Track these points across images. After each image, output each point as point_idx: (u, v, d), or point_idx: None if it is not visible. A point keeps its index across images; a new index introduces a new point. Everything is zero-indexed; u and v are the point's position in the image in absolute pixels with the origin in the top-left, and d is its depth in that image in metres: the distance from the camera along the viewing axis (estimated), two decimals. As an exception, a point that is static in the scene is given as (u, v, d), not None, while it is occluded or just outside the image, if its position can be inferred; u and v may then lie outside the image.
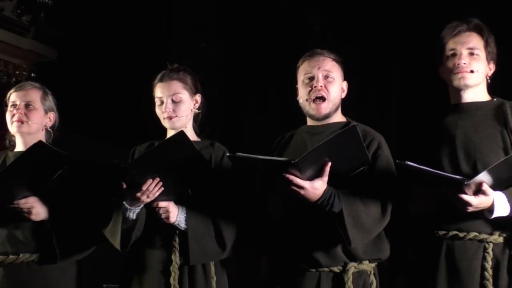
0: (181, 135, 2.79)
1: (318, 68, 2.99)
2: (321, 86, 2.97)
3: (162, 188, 2.85)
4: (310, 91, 2.99)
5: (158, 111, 3.16)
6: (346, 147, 2.69)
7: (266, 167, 2.76)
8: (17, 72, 5.35)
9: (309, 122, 3.08)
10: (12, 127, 3.26)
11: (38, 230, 3.10)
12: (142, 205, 2.92)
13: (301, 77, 3.04)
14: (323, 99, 2.97)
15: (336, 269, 2.90)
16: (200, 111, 3.23)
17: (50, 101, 3.34)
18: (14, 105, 3.27)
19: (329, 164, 2.69)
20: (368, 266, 2.94)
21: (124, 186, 2.85)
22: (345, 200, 2.78)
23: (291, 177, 2.68)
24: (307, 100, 3.00)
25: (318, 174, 2.72)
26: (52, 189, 3.07)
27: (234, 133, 5.98)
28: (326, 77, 2.99)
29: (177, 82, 3.14)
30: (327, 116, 3.00)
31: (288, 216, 2.88)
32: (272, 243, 3.01)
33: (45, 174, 3.02)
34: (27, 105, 3.25)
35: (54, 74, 5.41)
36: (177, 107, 3.12)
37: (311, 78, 2.99)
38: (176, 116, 3.11)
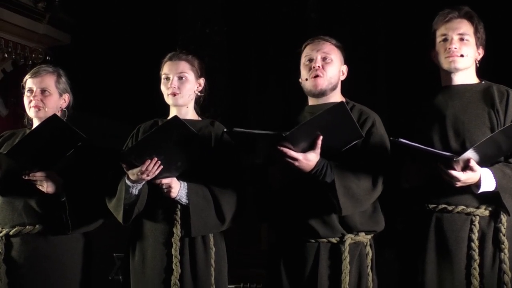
0: (175, 119, 2.81)
1: (317, 51, 2.99)
2: (318, 66, 2.97)
3: (162, 167, 2.85)
4: (309, 71, 2.99)
5: (163, 87, 3.15)
6: (337, 123, 2.70)
7: (262, 141, 2.77)
8: (33, 56, 5.33)
9: (310, 101, 3.07)
10: (30, 112, 3.25)
11: (51, 202, 3.10)
12: (144, 182, 2.92)
13: (302, 59, 3.05)
14: (319, 76, 2.98)
15: (334, 240, 2.90)
16: (202, 94, 3.21)
17: (64, 83, 3.31)
18: (30, 91, 3.25)
19: (321, 137, 2.71)
20: (364, 238, 2.94)
21: (125, 167, 2.87)
22: (337, 170, 2.79)
23: (285, 149, 2.70)
24: (306, 79, 3.00)
25: (311, 147, 2.73)
26: (66, 165, 3.08)
27: (238, 113, 5.98)
28: (324, 58, 2.99)
29: (185, 63, 3.13)
30: (324, 92, 2.99)
31: (287, 188, 2.88)
32: (274, 215, 3.01)
33: (59, 150, 3.02)
34: (43, 91, 3.24)
35: (67, 57, 5.40)
36: (182, 85, 3.10)
37: (311, 60, 3.00)
38: (180, 93, 3.10)
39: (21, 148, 2.96)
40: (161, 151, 2.82)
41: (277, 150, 2.71)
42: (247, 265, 4.81)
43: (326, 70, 2.97)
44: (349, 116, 2.70)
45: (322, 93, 2.98)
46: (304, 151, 2.73)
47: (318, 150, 2.73)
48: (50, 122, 2.94)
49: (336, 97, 3.04)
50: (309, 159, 2.73)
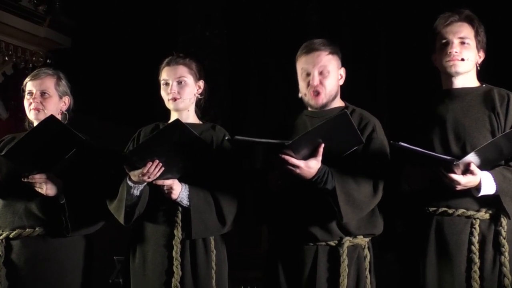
0: (177, 122, 2.81)
1: (313, 66, 2.95)
2: (316, 83, 2.95)
3: (163, 169, 2.85)
4: (307, 85, 2.97)
5: (163, 93, 3.15)
6: (339, 131, 2.70)
7: (263, 149, 2.77)
8: (33, 59, 5.33)
9: (310, 108, 3.06)
10: (30, 115, 3.25)
11: (51, 204, 3.09)
12: (145, 183, 2.92)
13: (299, 70, 3.03)
14: (319, 93, 2.96)
15: (332, 243, 2.90)
16: (202, 96, 3.21)
17: (64, 85, 3.31)
18: (30, 93, 3.25)
19: (323, 145, 2.70)
20: (362, 241, 2.94)
21: (127, 168, 2.87)
22: (338, 177, 2.78)
23: (287, 157, 2.70)
24: (305, 95, 3.00)
25: (312, 154, 2.73)
26: (66, 167, 3.06)
27: (238, 115, 5.97)
28: (321, 72, 2.95)
29: (183, 67, 3.13)
30: (325, 105, 2.99)
31: (285, 192, 2.88)
32: (272, 218, 3.00)
33: (58, 152, 3.01)
34: (43, 94, 3.24)
35: (68, 60, 5.39)
36: (182, 90, 3.10)
37: (308, 74, 2.97)
38: (180, 97, 3.10)
39: (19, 149, 2.95)
40: (163, 154, 2.82)
41: (278, 158, 2.70)
42: (247, 267, 4.81)
43: (324, 85, 2.95)
44: (352, 125, 2.70)
45: (323, 107, 2.98)
46: (305, 158, 2.73)
47: (319, 157, 2.73)
48: (47, 122, 2.93)
49: (337, 102, 3.04)
50: (311, 167, 2.73)
